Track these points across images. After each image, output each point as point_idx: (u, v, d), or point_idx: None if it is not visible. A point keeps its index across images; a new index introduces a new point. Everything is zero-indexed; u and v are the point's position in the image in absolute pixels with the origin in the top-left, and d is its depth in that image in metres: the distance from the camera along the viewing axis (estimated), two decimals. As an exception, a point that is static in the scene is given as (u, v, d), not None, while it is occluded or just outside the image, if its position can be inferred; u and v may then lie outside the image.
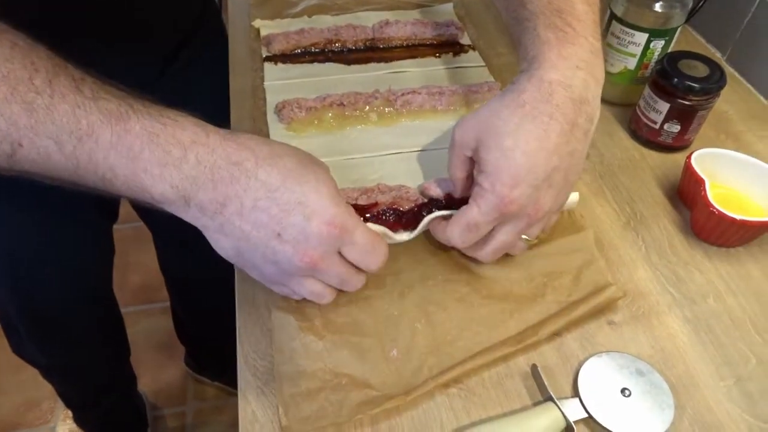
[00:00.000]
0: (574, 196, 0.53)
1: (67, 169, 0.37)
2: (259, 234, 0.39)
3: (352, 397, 0.41)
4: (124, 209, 0.83)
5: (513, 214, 0.43)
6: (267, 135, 0.60)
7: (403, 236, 0.48)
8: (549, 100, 0.42)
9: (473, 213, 0.43)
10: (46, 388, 1.01)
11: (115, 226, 0.84)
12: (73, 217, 0.73)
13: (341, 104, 0.61)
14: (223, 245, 0.41)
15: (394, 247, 0.50)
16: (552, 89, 0.42)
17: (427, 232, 0.49)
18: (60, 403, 1.27)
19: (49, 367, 0.97)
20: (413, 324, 0.45)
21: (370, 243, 0.42)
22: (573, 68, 0.43)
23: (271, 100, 0.63)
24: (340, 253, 0.42)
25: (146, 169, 0.37)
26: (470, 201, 0.44)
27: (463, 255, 0.49)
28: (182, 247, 0.94)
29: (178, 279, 1.07)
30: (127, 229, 1.16)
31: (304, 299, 0.45)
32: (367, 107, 0.62)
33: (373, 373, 0.42)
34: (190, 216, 0.40)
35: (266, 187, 0.39)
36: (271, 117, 0.61)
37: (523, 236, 0.46)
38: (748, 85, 0.70)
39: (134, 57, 0.61)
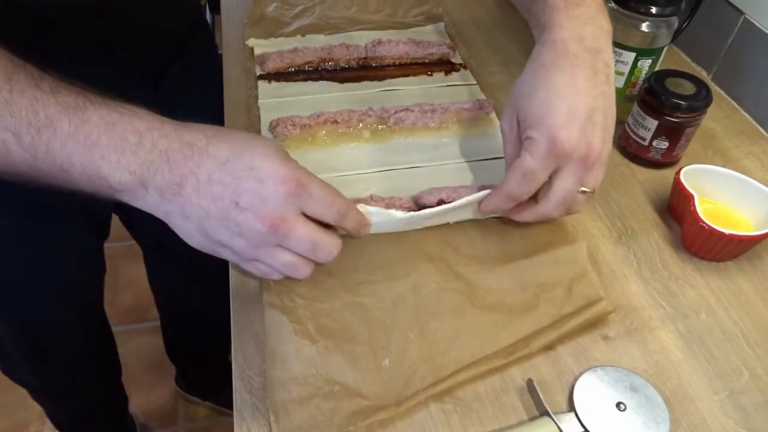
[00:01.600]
0: None
1: (26, 162, 0.38)
2: (218, 207, 0.40)
3: (344, 406, 0.41)
4: (116, 226, 0.83)
5: (566, 156, 0.44)
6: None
7: (398, 214, 0.48)
8: (566, 54, 0.46)
9: (527, 161, 0.45)
10: (34, 410, 1.00)
11: (105, 244, 0.83)
12: (63, 234, 0.72)
13: (335, 122, 0.61)
14: (188, 229, 0.41)
15: (390, 253, 0.51)
16: (566, 45, 0.46)
17: (422, 235, 0.50)
18: (48, 425, 1.24)
19: (39, 388, 0.95)
20: (406, 333, 0.45)
21: (330, 195, 0.43)
22: (582, 25, 0.47)
23: (266, 117, 0.64)
24: (304, 216, 0.42)
25: (103, 156, 0.38)
26: (522, 153, 0.46)
27: (458, 262, 0.50)
28: (172, 264, 0.93)
29: (168, 296, 1.06)
30: (118, 247, 1.16)
31: (288, 279, 0.45)
32: (361, 125, 0.62)
33: (365, 382, 0.42)
34: (149, 202, 0.40)
35: (218, 161, 0.40)
36: (265, 134, 0.62)
37: (582, 188, 0.47)
38: (734, 103, 0.71)
39: (120, 74, 0.61)
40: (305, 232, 0.41)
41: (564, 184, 0.46)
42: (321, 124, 0.61)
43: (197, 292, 0.98)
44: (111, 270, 0.87)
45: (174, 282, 1.00)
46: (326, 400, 0.41)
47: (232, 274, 0.50)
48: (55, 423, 1.07)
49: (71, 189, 0.40)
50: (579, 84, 0.45)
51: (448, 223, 0.53)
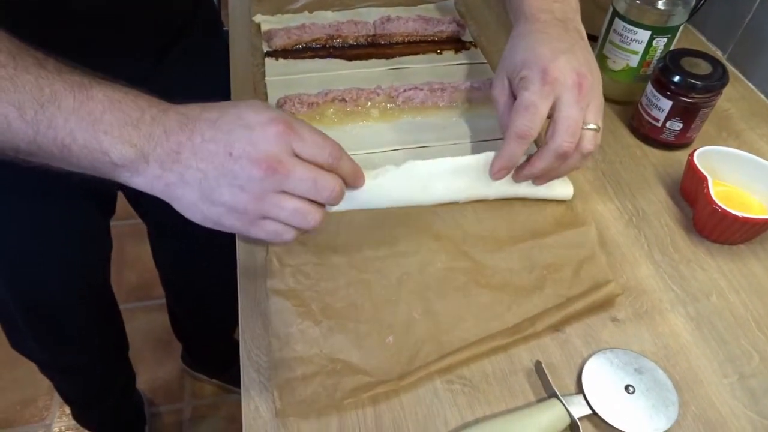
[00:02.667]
0: (568, 189, 0.54)
1: (26, 137, 0.38)
2: (215, 163, 0.40)
3: (347, 382, 0.41)
4: (121, 205, 0.83)
5: (560, 83, 0.47)
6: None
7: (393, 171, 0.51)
8: (537, 22, 0.52)
9: (525, 95, 0.48)
10: (43, 385, 1.01)
11: (111, 223, 0.83)
12: (71, 211, 0.72)
13: (343, 100, 0.61)
14: (190, 199, 0.41)
15: (396, 231, 0.51)
16: (536, 16, 0.52)
17: (430, 213, 0.51)
18: (56, 400, 1.26)
19: (48, 363, 0.96)
20: (410, 312, 0.45)
21: (321, 137, 0.43)
22: (550, 2, 0.53)
23: (273, 95, 0.63)
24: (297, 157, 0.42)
25: (106, 131, 0.39)
26: (519, 93, 0.49)
27: (465, 241, 0.50)
28: (177, 241, 0.93)
29: (173, 274, 1.06)
30: (124, 226, 1.15)
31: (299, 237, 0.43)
32: (369, 103, 0.61)
33: (369, 359, 0.42)
34: (150, 176, 0.40)
35: (208, 122, 0.41)
36: (272, 112, 0.61)
37: (588, 126, 0.48)
38: (749, 84, 0.70)
39: (124, 51, 0.61)
40: (303, 169, 0.41)
41: (566, 112, 0.48)
42: (329, 102, 0.61)
43: (202, 270, 0.98)
44: (116, 248, 0.87)
45: (179, 260, 1.00)
46: (329, 376, 0.41)
47: (240, 250, 0.50)
48: (64, 398, 1.08)
49: (68, 167, 0.40)
50: (553, 37, 0.50)
51: (456, 203, 0.53)
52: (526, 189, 0.53)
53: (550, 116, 0.48)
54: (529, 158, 0.50)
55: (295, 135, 0.41)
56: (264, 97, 0.63)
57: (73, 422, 1.13)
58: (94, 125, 0.38)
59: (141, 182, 0.41)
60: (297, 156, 0.41)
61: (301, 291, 0.46)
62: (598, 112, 0.49)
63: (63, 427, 1.25)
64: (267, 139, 0.40)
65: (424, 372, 0.42)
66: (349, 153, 0.57)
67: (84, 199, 0.73)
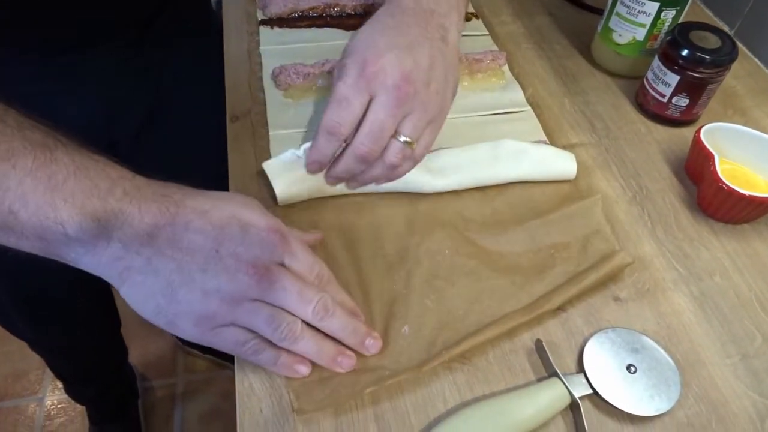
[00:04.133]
0: (571, 165, 0.52)
1: None
2: (195, 258, 0.35)
3: (365, 379, 0.39)
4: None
5: (377, 80, 0.43)
6: (263, 101, 0.57)
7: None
8: (399, 7, 0.47)
9: (338, 85, 0.43)
10: (34, 359, 1.00)
11: None
12: None
13: (341, 71, 0.58)
14: (149, 289, 0.36)
15: (399, 223, 0.49)
16: (401, 2, 0.47)
17: (431, 204, 0.49)
18: (48, 374, 1.26)
19: (38, 343, 0.95)
20: (423, 300, 0.44)
21: (311, 255, 0.40)
22: None
23: (268, 65, 0.61)
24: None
25: (67, 199, 0.34)
26: (334, 82, 0.44)
27: (469, 228, 0.48)
28: None
29: None
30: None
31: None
32: (368, 74, 0.59)
33: (385, 352, 0.41)
34: (108, 256, 0.35)
35: (197, 211, 0.37)
36: (267, 82, 0.59)
37: (400, 137, 0.44)
38: (756, 60, 0.68)
39: (106, 19, 0.58)
40: (290, 280, 0.37)
41: (373, 114, 0.43)
42: (326, 72, 0.59)
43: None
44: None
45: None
46: (347, 376, 0.40)
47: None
48: (56, 374, 1.08)
49: (10, 238, 0.35)
50: (402, 28, 0.45)
51: (455, 192, 0.51)
52: (527, 171, 0.52)
53: None
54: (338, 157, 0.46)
55: (289, 249, 0.38)
56: (258, 67, 0.61)
57: (66, 396, 1.13)
58: (52, 191, 0.33)
59: (91, 262, 0.36)
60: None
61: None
62: (420, 126, 0.44)
63: (55, 401, 1.25)
64: (262, 244, 0.37)
65: (446, 356, 0.40)
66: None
67: None
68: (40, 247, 0.35)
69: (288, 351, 0.38)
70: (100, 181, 0.35)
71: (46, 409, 1.23)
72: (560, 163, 0.52)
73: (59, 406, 1.24)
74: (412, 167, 0.48)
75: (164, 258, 0.35)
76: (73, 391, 1.09)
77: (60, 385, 1.16)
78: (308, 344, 0.38)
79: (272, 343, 0.38)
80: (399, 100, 0.43)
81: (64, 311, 0.86)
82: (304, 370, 0.39)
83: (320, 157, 0.46)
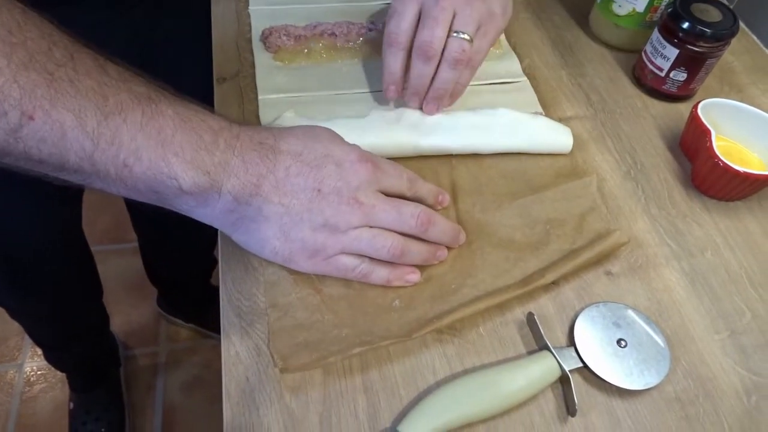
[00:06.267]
0: (567, 141, 0.51)
1: (82, 150, 0.33)
2: (300, 199, 0.39)
3: (353, 347, 0.39)
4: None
5: None
6: (252, 63, 0.55)
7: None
8: None
9: (392, 3, 0.48)
10: (14, 325, 0.98)
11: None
12: None
13: (333, 34, 0.57)
14: (263, 235, 0.39)
15: None
16: None
17: (424, 177, 0.47)
18: (28, 341, 1.24)
19: (18, 310, 0.93)
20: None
21: (398, 167, 0.43)
22: None
23: (257, 26, 0.58)
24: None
25: (177, 153, 0.35)
26: None
27: (464, 202, 0.47)
28: None
29: (145, 217, 1.03)
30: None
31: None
32: (360, 39, 0.57)
33: (375, 322, 0.40)
34: (219, 209, 0.38)
35: (291, 155, 0.39)
36: (256, 44, 0.57)
37: (454, 33, 0.47)
38: (754, 37, 0.68)
39: None
40: (387, 203, 0.41)
41: (424, 14, 0.47)
42: (317, 36, 0.57)
43: (175, 215, 0.94)
44: (88, 190, 0.83)
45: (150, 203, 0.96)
46: (334, 343, 0.39)
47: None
48: (35, 340, 1.06)
49: (114, 189, 0.36)
50: None
51: (449, 162, 0.50)
52: (523, 142, 0.51)
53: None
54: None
55: (380, 171, 0.41)
56: (248, 28, 0.59)
57: (45, 363, 1.12)
58: (163, 146, 0.35)
59: (206, 213, 0.38)
60: (381, 192, 0.41)
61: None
62: (469, 22, 0.47)
63: (35, 368, 1.23)
64: (358, 175, 0.40)
65: (436, 324, 0.40)
66: (338, 92, 0.54)
67: None
68: (153, 198, 0.37)
69: (396, 265, 0.42)
70: (204, 134, 0.36)
71: (25, 376, 1.22)
72: (556, 137, 0.51)
73: (39, 372, 1.23)
74: (472, 76, 0.51)
75: (272, 205, 0.38)
76: (53, 358, 1.08)
77: (40, 351, 1.14)
78: (412, 255, 0.42)
79: (380, 262, 0.41)
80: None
81: (44, 278, 0.84)
82: (414, 277, 0.42)
83: (391, 76, 0.49)
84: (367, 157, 0.41)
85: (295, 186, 0.38)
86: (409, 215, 0.41)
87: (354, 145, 0.42)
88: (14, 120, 0.30)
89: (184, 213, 0.39)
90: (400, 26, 0.47)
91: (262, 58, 0.56)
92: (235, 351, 0.39)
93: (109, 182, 0.35)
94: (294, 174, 0.39)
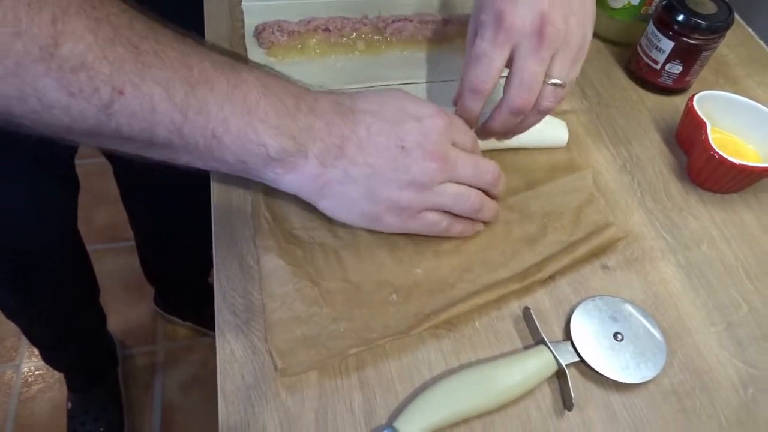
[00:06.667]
0: (563, 133, 0.51)
1: (171, 123, 0.33)
2: (384, 157, 0.38)
3: (350, 341, 0.38)
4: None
5: (516, 30, 0.40)
6: (245, 60, 0.55)
7: None
8: None
9: (478, 43, 0.42)
10: (10, 326, 0.98)
11: (78, 161, 0.78)
12: (31, 150, 0.67)
13: (326, 29, 0.56)
14: (351, 197, 0.39)
15: None
16: None
17: None
18: (25, 341, 1.24)
19: (14, 310, 0.93)
20: (412, 270, 0.43)
21: (464, 124, 0.44)
22: None
23: (250, 21, 0.58)
24: None
25: (263, 119, 0.35)
26: (475, 39, 0.43)
27: None
28: (145, 181, 0.89)
29: (143, 216, 1.02)
30: (91, 164, 1.10)
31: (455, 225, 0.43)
32: (354, 34, 0.57)
33: (373, 316, 0.40)
34: (308, 173, 0.38)
35: (370, 113, 0.39)
36: (249, 40, 0.56)
37: (551, 80, 0.42)
38: (749, 30, 0.67)
39: None
40: (466, 156, 0.41)
41: (522, 64, 0.41)
42: (311, 31, 0.56)
43: (173, 212, 0.94)
44: (86, 188, 0.83)
45: (148, 200, 0.96)
46: (332, 338, 0.38)
47: (214, 190, 0.46)
48: (31, 340, 1.06)
49: (202, 162, 0.36)
50: None
51: None
52: (518, 139, 0.50)
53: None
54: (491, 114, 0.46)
55: (454, 126, 0.41)
56: (240, 24, 0.58)
57: (43, 363, 1.11)
58: (249, 113, 0.35)
59: (293, 180, 0.38)
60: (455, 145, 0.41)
61: (294, 250, 0.42)
62: (567, 65, 0.43)
63: (32, 368, 1.23)
64: (437, 129, 0.39)
65: (434, 321, 0.39)
66: (333, 88, 0.53)
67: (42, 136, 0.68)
68: (240, 169, 0.37)
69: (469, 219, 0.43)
70: (286, 98, 0.36)
71: (23, 376, 1.22)
72: (552, 131, 0.51)
73: (37, 372, 1.22)
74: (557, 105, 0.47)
75: (358, 166, 0.38)
76: (50, 358, 1.07)
77: (37, 352, 1.14)
78: (487, 209, 0.43)
79: (458, 216, 0.42)
80: (542, 44, 0.41)
81: (44, 276, 0.84)
82: (481, 226, 0.45)
83: (468, 117, 0.46)
84: (442, 111, 0.41)
85: (378, 144, 0.38)
86: (484, 170, 0.42)
87: (427, 101, 0.42)
88: (106, 96, 0.31)
89: (269, 183, 0.39)
90: (489, 74, 0.42)
91: (255, 54, 0.55)
92: (230, 349, 0.39)
93: (196, 155, 0.35)
94: (375, 132, 0.38)
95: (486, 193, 0.44)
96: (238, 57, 0.38)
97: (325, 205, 0.41)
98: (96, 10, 0.30)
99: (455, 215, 0.43)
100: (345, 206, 0.40)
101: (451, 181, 0.41)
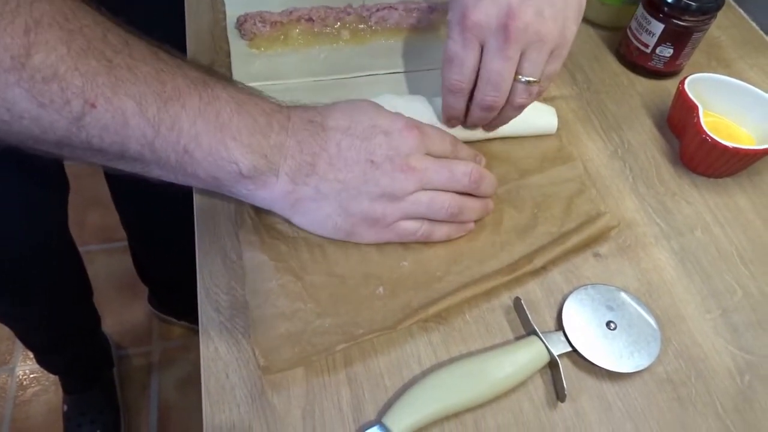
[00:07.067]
0: (552, 120, 0.50)
1: (143, 138, 0.33)
2: (355, 173, 0.39)
3: (336, 337, 0.37)
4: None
5: (481, 27, 0.40)
6: (227, 51, 0.54)
7: None
8: None
9: (448, 44, 0.42)
10: (4, 329, 0.96)
11: (69, 163, 0.77)
12: (20, 152, 0.66)
13: (310, 19, 0.55)
14: (324, 213, 0.40)
15: None
16: None
17: None
18: (19, 344, 1.23)
19: (6, 314, 0.92)
20: (399, 262, 0.42)
21: (439, 130, 0.43)
22: None
23: (232, 12, 0.57)
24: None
25: (236, 137, 0.35)
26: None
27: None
28: (135, 181, 0.88)
29: (134, 215, 1.01)
30: (82, 166, 1.09)
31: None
32: (338, 24, 0.56)
33: (359, 310, 0.39)
34: (278, 192, 0.38)
35: (340, 130, 0.39)
36: (231, 32, 0.55)
37: (522, 78, 0.42)
38: (741, 11, 0.66)
39: None
40: (439, 164, 0.41)
41: (487, 63, 0.41)
42: (294, 21, 0.55)
43: (164, 212, 0.93)
44: (76, 189, 0.82)
45: (139, 200, 0.94)
46: (317, 334, 0.37)
47: (196, 192, 0.45)
48: (25, 344, 1.04)
49: (174, 177, 0.36)
50: None
51: None
52: (507, 127, 0.49)
53: None
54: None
55: (425, 135, 0.41)
56: (222, 15, 0.57)
57: (38, 366, 1.10)
58: (222, 130, 0.35)
59: (265, 197, 0.39)
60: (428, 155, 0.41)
61: (277, 245, 0.41)
62: (540, 61, 0.41)
63: (27, 371, 1.22)
64: (407, 142, 0.40)
65: (422, 315, 0.39)
66: (317, 78, 0.53)
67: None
68: (212, 185, 0.37)
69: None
70: (258, 116, 0.37)
71: (18, 380, 1.21)
72: (541, 119, 0.50)
73: (32, 376, 1.21)
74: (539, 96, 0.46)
75: (329, 182, 0.39)
76: (44, 361, 1.06)
77: (32, 355, 1.13)
78: (469, 211, 0.43)
79: (439, 221, 0.42)
80: (509, 41, 0.40)
81: (32, 281, 0.83)
82: (471, 225, 0.44)
83: (453, 114, 0.46)
84: (413, 123, 0.41)
85: (348, 160, 0.39)
86: (461, 173, 0.41)
87: (397, 113, 0.42)
88: (77, 108, 0.30)
89: (242, 198, 0.39)
90: (463, 73, 0.42)
91: (237, 46, 0.54)
92: (214, 347, 0.38)
93: (168, 169, 0.35)
94: (345, 148, 0.39)
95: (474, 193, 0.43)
96: (213, 72, 0.37)
97: (298, 221, 0.41)
98: (69, 22, 0.30)
99: (437, 221, 0.42)
100: (318, 221, 0.40)
101: (426, 189, 0.41)
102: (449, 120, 0.47)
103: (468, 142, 0.48)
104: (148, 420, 1.17)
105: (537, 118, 0.50)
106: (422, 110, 0.48)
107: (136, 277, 1.18)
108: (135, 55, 0.32)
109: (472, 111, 0.45)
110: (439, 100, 0.49)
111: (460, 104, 0.45)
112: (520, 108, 0.45)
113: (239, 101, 0.36)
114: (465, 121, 0.47)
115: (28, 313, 0.90)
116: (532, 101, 0.45)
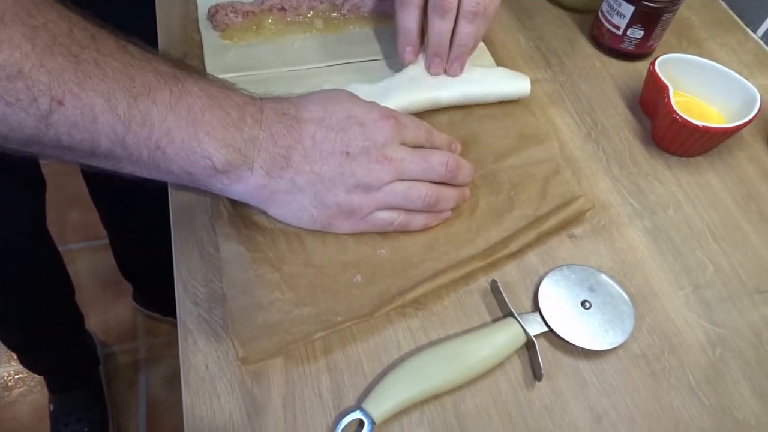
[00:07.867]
0: (524, 84, 0.51)
1: (114, 134, 0.32)
2: (330, 164, 0.39)
3: (314, 326, 0.38)
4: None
5: None
6: (200, 43, 0.53)
7: None
8: None
9: None
10: (-16, 331, 0.96)
11: (46, 162, 0.76)
12: None
13: (282, 8, 0.55)
14: (299, 205, 0.40)
15: None
16: None
17: None
18: (3, 346, 1.21)
19: None
20: (376, 250, 0.42)
21: (415, 119, 0.44)
22: None
23: (203, 4, 0.56)
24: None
25: (209, 132, 0.35)
26: None
27: None
28: (111, 177, 0.87)
29: (112, 212, 1.00)
30: (61, 164, 1.08)
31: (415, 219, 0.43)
32: (311, 13, 0.56)
33: (337, 299, 0.39)
34: (252, 185, 0.38)
35: (314, 122, 0.39)
36: (203, 23, 0.55)
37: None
38: (711, -9, 0.67)
39: None
40: (414, 155, 0.41)
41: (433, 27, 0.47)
42: (266, 11, 0.55)
43: (141, 207, 0.92)
44: (56, 187, 0.81)
45: (116, 197, 0.94)
46: (295, 324, 0.37)
47: (171, 186, 0.45)
48: (7, 344, 1.03)
49: (147, 172, 0.36)
50: None
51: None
52: (479, 87, 0.50)
53: None
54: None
55: (400, 124, 0.41)
56: (194, 7, 0.57)
57: (22, 367, 1.09)
58: (194, 125, 0.34)
59: (240, 190, 0.38)
60: (403, 144, 0.41)
61: (254, 236, 0.41)
62: (470, 28, 0.46)
63: (12, 372, 1.21)
64: (382, 132, 0.40)
65: (399, 302, 0.39)
66: (291, 68, 0.53)
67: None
68: (186, 180, 0.37)
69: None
70: (231, 110, 0.36)
71: (2, 381, 1.20)
72: (513, 82, 0.51)
73: (16, 376, 1.20)
74: (486, 28, 0.49)
75: (304, 174, 0.38)
76: (28, 361, 1.05)
77: (15, 356, 1.12)
78: (446, 200, 0.43)
79: (418, 211, 0.42)
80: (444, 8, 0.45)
81: (9, 279, 0.82)
82: (448, 213, 0.44)
83: (408, 36, 0.47)
84: (388, 113, 0.41)
85: (323, 152, 0.38)
86: (437, 163, 0.42)
87: (372, 102, 0.42)
88: (44, 106, 0.30)
89: (218, 192, 0.39)
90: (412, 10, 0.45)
91: (209, 38, 0.54)
92: (193, 339, 0.38)
93: (141, 166, 0.35)
94: (320, 140, 0.38)
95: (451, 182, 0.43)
96: (184, 65, 0.37)
97: (274, 213, 0.41)
98: (33, 18, 0.29)
99: (414, 211, 0.42)
100: (294, 214, 0.40)
101: (402, 179, 0.41)
102: (404, 49, 0.48)
103: (443, 110, 0.49)
104: (136, 416, 1.17)
105: (509, 80, 0.51)
106: (396, 98, 0.48)
107: (120, 275, 1.17)
108: (102, 50, 0.32)
109: (429, 26, 0.47)
110: (414, 87, 0.49)
111: (413, 19, 0.47)
112: (473, 17, 0.46)
113: (211, 95, 0.36)
114: (427, 62, 0.49)
115: (6, 311, 0.89)
116: (484, 19, 0.47)
